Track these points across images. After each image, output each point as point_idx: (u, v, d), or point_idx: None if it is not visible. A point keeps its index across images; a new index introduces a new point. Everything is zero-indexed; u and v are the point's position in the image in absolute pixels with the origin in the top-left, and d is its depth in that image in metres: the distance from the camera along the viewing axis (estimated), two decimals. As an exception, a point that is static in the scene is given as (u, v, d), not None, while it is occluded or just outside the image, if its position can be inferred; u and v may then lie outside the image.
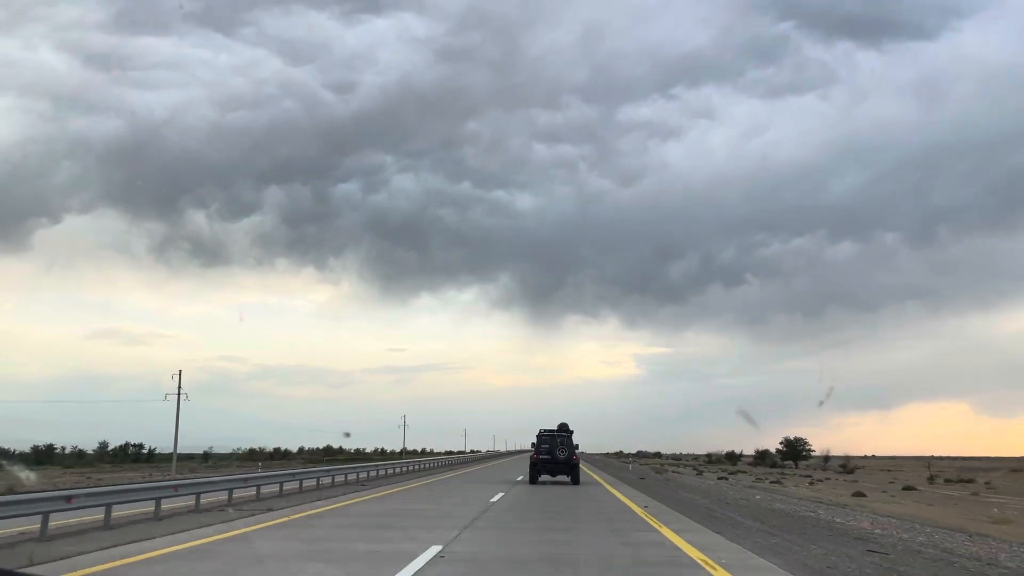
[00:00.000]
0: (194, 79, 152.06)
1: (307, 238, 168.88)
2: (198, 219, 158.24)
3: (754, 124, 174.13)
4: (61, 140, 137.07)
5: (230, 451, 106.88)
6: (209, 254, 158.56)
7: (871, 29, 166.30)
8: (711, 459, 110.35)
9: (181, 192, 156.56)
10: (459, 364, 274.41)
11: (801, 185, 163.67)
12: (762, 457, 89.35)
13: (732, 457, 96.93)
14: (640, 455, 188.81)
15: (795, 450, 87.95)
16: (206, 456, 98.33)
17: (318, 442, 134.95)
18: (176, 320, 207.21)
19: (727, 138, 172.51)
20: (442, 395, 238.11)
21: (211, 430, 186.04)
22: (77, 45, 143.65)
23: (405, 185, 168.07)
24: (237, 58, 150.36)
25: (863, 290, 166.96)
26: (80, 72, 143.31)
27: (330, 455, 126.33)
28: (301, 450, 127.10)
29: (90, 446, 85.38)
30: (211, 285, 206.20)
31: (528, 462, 34.90)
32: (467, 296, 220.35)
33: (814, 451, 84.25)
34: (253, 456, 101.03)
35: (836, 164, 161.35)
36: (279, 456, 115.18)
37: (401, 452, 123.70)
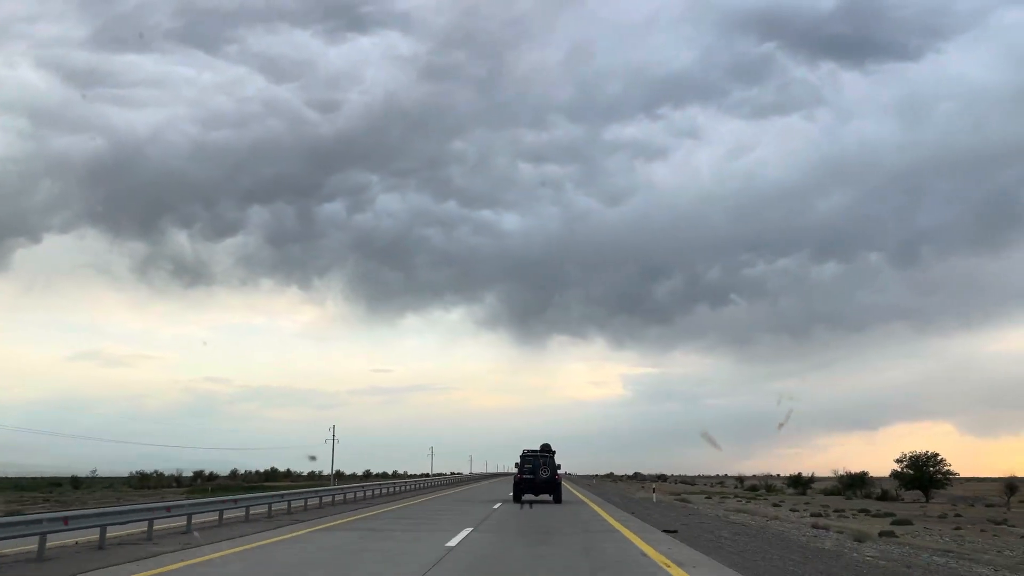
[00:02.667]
0: (177, 97, 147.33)
1: (291, 258, 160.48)
2: (180, 239, 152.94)
3: (739, 144, 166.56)
4: (41, 158, 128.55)
5: (128, 474, 79.93)
6: (192, 274, 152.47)
7: (855, 50, 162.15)
8: (743, 484, 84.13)
9: (163, 211, 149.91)
10: (446, 385, 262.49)
11: (786, 205, 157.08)
12: (855, 483, 58.30)
13: (799, 482, 65.98)
14: (637, 477, 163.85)
15: (924, 474, 53.53)
16: (76, 483, 71.31)
17: (301, 465, 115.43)
18: (159, 341, 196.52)
19: (713, 158, 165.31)
20: (429, 416, 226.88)
21: (187, 452, 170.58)
22: (58, 62, 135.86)
23: (391, 205, 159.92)
24: (220, 76, 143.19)
25: (848, 310, 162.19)
26: (61, 90, 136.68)
27: (271, 479, 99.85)
28: (234, 474, 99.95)
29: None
30: (195, 306, 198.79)
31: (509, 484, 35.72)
32: (454, 316, 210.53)
33: (955, 473, 53.73)
34: (146, 481, 73.94)
35: (821, 184, 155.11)
36: (204, 480, 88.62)
37: (326, 475, 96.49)
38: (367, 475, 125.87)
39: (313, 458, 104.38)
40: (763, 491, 65.36)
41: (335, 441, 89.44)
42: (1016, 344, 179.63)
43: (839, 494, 56.04)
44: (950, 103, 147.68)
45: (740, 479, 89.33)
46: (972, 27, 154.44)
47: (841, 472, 58.33)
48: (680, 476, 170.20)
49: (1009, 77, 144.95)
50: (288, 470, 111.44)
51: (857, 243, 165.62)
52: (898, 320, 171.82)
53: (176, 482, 76.93)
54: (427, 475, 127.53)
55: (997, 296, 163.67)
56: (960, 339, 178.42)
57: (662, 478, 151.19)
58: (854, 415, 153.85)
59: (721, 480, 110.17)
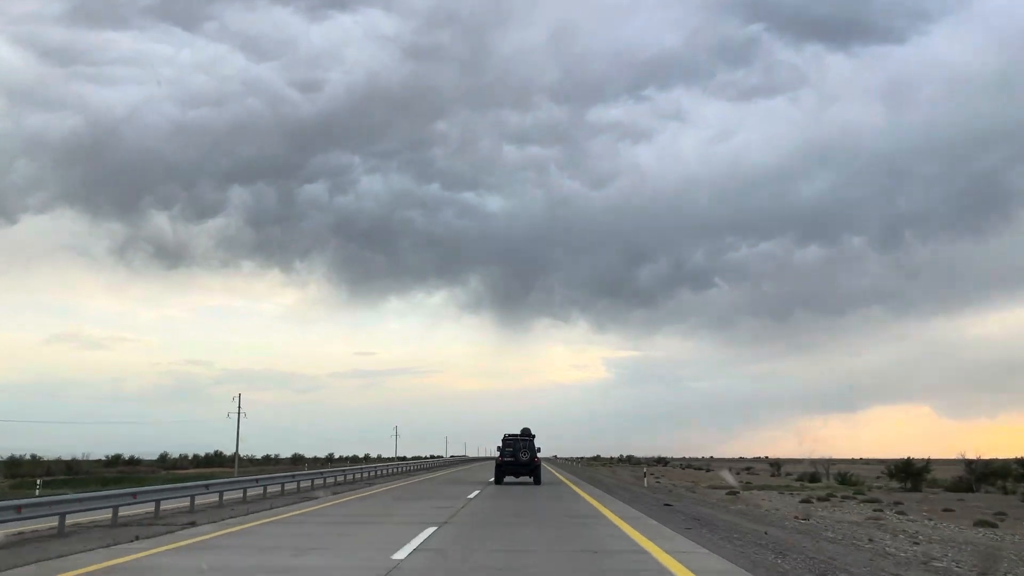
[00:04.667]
0: (155, 75, 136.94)
1: (272, 240, 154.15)
2: (160, 220, 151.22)
3: (724, 127, 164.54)
4: (16, 137, 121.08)
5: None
6: (172, 256, 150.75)
7: (840, 32, 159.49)
8: (779, 468, 66.88)
9: (142, 192, 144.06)
10: (429, 368, 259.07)
11: (770, 188, 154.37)
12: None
13: (909, 472, 41.46)
14: (631, 461, 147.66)
15: None
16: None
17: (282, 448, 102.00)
18: (139, 324, 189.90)
19: (697, 141, 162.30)
20: (412, 400, 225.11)
21: (167, 436, 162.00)
22: (34, 39, 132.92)
23: (373, 186, 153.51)
24: (200, 54, 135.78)
25: (830, 294, 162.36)
26: (36, 67, 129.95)
27: (211, 465, 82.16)
28: (163, 458, 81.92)
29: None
30: (174, 288, 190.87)
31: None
32: (436, 299, 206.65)
33: None
34: (16, 469, 55.69)
35: (805, 167, 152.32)
36: (125, 464, 71.00)
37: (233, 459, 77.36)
38: (329, 459, 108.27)
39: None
40: (829, 480, 48.31)
41: (240, 415, 71.09)
42: (994, 328, 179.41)
43: (970, 489, 38.26)
44: (934, 86, 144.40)
45: (774, 463, 72.27)
46: (957, 10, 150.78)
47: (972, 457, 40.44)
48: (677, 459, 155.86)
49: (993, 61, 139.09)
50: (225, 453, 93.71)
51: (840, 227, 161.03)
52: (879, 304, 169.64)
53: (68, 468, 59.13)
54: (404, 459, 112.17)
55: (977, 280, 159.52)
56: (939, 323, 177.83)
57: (662, 461, 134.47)
58: (834, 397, 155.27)
59: (748, 466, 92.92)
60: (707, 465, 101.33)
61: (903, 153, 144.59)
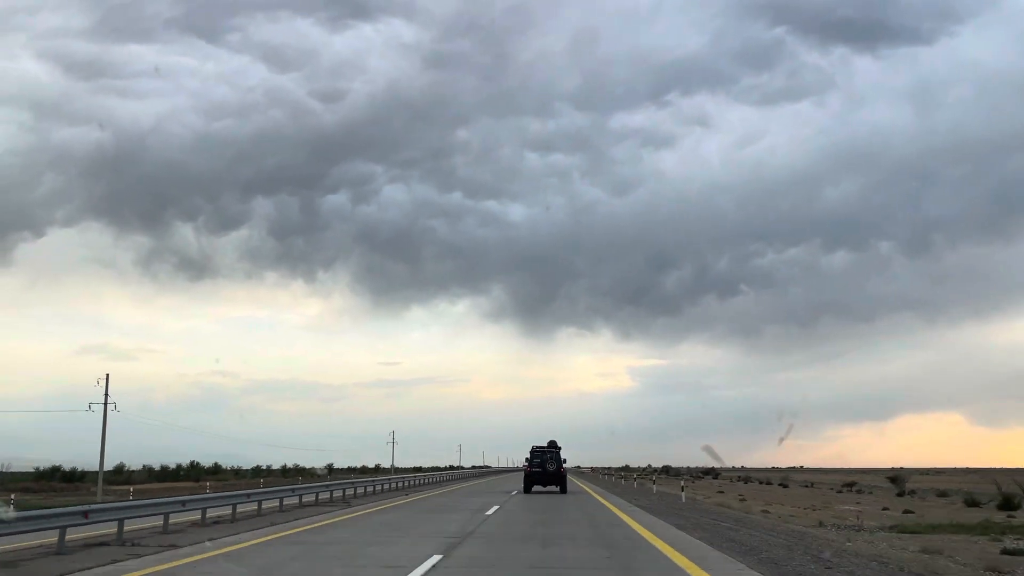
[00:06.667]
0: (179, 88, 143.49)
1: (296, 251, 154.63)
2: (184, 232, 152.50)
3: (748, 131, 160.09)
4: (43, 151, 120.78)
5: None
6: (197, 268, 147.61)
7: (867, 34, 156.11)
8: (903, 487, 50.08)
9: (166, 204, 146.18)
10: (453, 377, 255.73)
11: (796, 194, 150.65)
12: None
13: None
14: (670, 472, 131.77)
15: None
16: None
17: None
18: (165, 335, 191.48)
19: (721, 146, 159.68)
20: (435, 409, 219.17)
21: (190, 447, 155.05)
22: (59, 53, 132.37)
23: (395, 196, 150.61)
24: (223, 66, 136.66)
25: (858, 300, 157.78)
26: (62, 81, 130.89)
27: (180, 479, 66.85)
28: (119, 469, 66.56)
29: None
30: (199, 299, 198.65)
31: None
32: (459, 308, 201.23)
33: None
34: None
35: (831, 172, 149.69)
36: (50, 479, 55.99)
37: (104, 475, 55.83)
38: (330, 470, 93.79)
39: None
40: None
41: (107, 406, 49.77)
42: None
43: None
44: (963, 88, 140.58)
45: (894, 478, 55.54)
46: (986, 10, 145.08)
47: None
48: (720, 470, 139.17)
49: (1023, 61, 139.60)
50: (216, 464, 78.44)
51: (868, 232, 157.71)
52: (908, 310, 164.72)
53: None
54: (420, 469, 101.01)
55: (1008, 285, 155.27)
56: (970, 329, 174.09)
57: (712, 473, 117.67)
58: (864, 406, 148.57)
59: (850, 481, 75.71)
60: (775, 479, 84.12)
61: (931, 156, 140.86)
